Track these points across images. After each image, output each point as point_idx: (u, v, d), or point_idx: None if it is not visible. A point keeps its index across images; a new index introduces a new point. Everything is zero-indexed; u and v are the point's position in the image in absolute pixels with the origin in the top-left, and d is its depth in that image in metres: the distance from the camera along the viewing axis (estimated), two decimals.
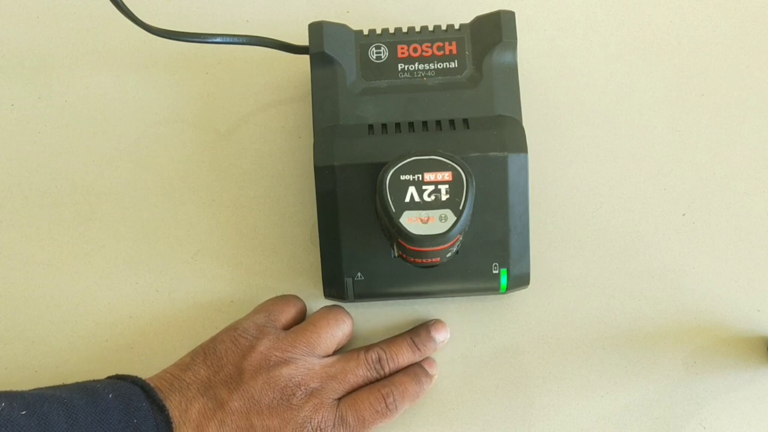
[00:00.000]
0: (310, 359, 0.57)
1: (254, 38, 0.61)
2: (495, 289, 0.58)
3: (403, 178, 0.51)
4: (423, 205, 0.50)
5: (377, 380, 0.58)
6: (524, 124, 0.58)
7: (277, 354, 0.56)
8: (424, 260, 0.55)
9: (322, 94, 0.59)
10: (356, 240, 0.56)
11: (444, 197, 0.50)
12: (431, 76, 0.59)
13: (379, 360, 0.58)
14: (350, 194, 0.56)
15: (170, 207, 0.64)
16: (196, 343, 0.62)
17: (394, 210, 0.50)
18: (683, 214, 0.63)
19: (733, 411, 0.60)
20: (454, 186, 0.51)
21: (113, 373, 0.60)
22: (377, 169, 0.52)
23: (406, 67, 0.59)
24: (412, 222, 0.50)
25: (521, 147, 0.56)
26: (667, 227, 0.63)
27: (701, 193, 0.63)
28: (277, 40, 0.61)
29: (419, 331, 0.60)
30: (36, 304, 0.63)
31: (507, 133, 0.56)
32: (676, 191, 0.63)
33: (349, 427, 0.56)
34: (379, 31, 0.60)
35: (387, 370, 0.59)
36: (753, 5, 0.66)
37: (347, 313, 0.60)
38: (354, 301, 0.59)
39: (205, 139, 0.65)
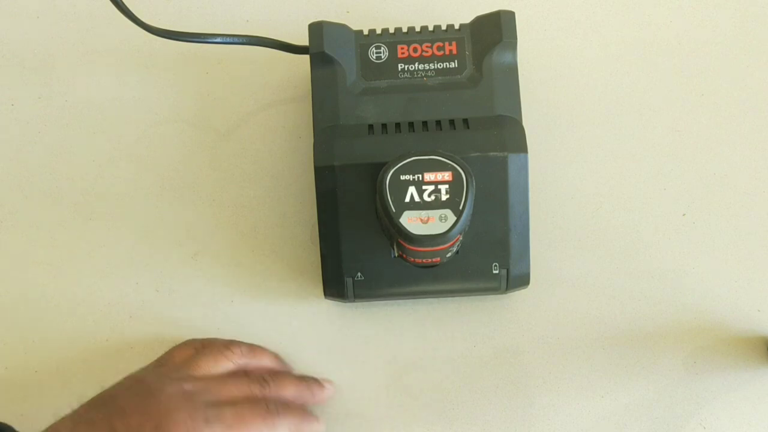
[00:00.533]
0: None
1: (254, 38, 0.61)
2: (495, 289, 0.58)
3: (403, 178, 0.51)
4: (423, 205, 0.50)
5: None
6: (524, 124, 0.58)
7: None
8: (424, 260, 0.55)
9: (322, 94, 0.59)
10: (356, 240, 0.56)
11: (444, 197, 0.50)
12: (431, 76, 0.59)
13: (264, 378, 0.57)
14: (350, 194, 0.56)
15: (170, 207, 0.64)
16: None
17: (394, 210, 0.50)
18: (683, 214, 0.63)
19: (733, 411, 0.60)
20: (454, 186, 0.51)
21: (112, 375, 0.60)
22: (377, 169, 0.52)
23: (406, 67, 0.59)
24: (412, 222, 0.50)
25: (521, 147, 0.56)
26: (667, 227, 0.63)
27: (701, 193, 0.63)
28: (277, 40, 0.61)
29: (307, 376, 0.61)
30: (36, 304, 0.63)
31: (507, 133, 0.56)
32: (676, 191, 0.63)
33: (226, 420, 0.53)
34: (379, 31, 0.60)
35: (271, 388, 0.57)
36: (753, 5, 0.66)
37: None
38: (354, 301, 0.59)
39: (205, 139, 0.65)
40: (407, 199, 0.50)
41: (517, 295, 0.61)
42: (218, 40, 0.60)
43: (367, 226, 0.56)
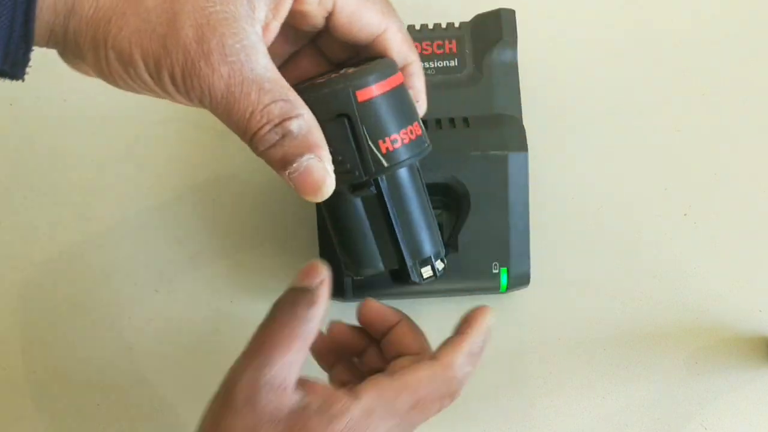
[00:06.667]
0: None
1: None
2: (495, 289, 0.57)
3: None
4: None
5: None
6: (524, 122, 0.58)
7: None
8: None
9: None
10: None
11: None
12: (431, 75, 0.59)
13: None
14: None
15: (170, 207, 0.64)
16: (196, 343, 0.62)
17: None
18: (684, 214, 0.63)
19: (735, 411, 0.60)
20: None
21: (112, 375, 0.60)
22: None
23: None
24: None
25: (521, 146, 0.56)
26: (669, 227, 0.62)
27: (702, 193, 0.63)
28: None
29: None
30: (36, 304, 0.63)
31: (507, 131, 0.56)
32: (678, 191, 0.63)
33: None
34: None
35: None
36: (755, 4, 0.66)
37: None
38: (354, 301, 0.59)
39: (205, 139, 0.64)
40: None
41: (517, 295, 0.61)
42: None
43: None
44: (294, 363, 0.42)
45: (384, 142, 0.42)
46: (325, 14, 0.42)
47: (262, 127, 0.38)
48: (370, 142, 0.42)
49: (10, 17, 0.35)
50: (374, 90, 0.41)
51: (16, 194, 0.64)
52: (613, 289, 0.62)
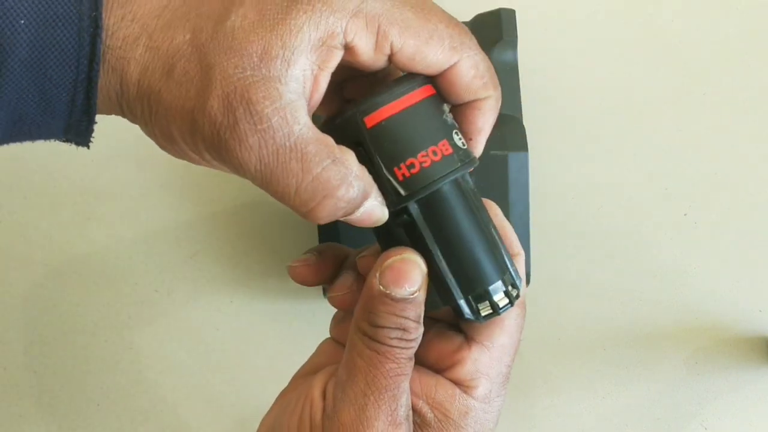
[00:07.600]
0: None
1: None
2: None
3: None
4: None
5: None
6: (525, 122, 0.58)
7: None
8: None
9: None
10: (355, 239, 0.56)
11: None
12: None
13: None
14: None
15: (170, 207, 0.64)
16: (196, 343, 0.62)
17: None
18: (685, 214, 0.63)
19: (735, 411, 0.60)
20: None
21: (111, 375, 0.60)
22: None
23: None
24: None
25: (522, 146, 0.56)
26: (669, 227, 0.62)
27: (703, 193, 0.63)
28: None
29: None
30: (36, 304, 0.63)
31: (507, 131, 0.56)
32: (678, 191, 0.63)
33: None
34: None
35: None
36: (755, 4, 0.66)
37: None
38: None
39: None
40: None
41: None
42: None
43: None
44: (399, 415, 0.38)
45: (399, 168, 0.38)
46: (385, 58, 0.37)
47: (321, 203, 0.36)
48: (385, 171, 0.38)
49: (71, 95, 0.36)
50: (383, 112, 0.37)
51: (16, 194, 0.64)
52: (613, 289, 0.62)
